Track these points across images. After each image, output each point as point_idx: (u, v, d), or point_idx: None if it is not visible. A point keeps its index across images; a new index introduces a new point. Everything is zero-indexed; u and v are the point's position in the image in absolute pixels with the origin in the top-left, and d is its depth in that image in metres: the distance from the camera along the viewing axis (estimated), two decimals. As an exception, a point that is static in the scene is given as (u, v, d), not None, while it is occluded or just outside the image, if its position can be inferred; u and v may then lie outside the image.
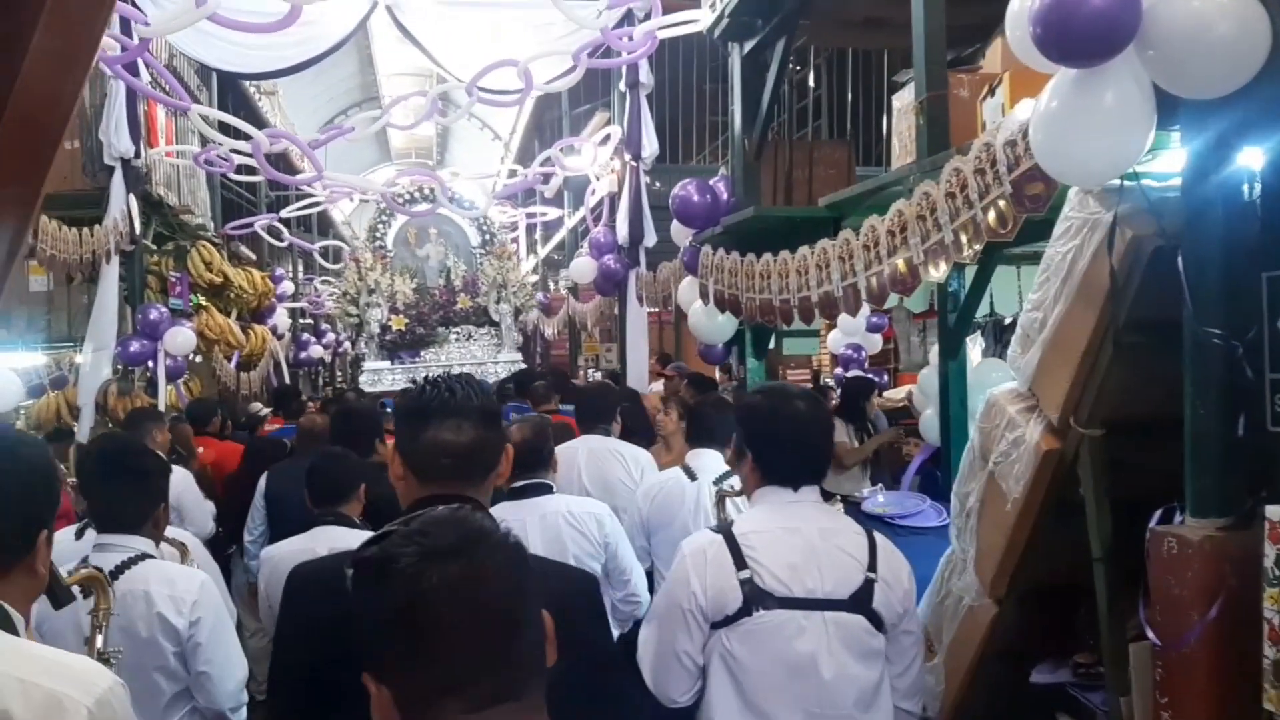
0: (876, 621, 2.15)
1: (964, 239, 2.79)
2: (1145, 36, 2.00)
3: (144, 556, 2.52)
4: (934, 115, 3.33)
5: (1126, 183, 2.27)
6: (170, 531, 2.87)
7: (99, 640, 2.05)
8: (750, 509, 2.32)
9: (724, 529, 2.24)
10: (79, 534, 3.25)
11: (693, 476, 3.61)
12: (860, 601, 2.14)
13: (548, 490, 3.20)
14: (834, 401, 6.84)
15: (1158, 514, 2.19)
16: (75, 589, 2.03)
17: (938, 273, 2.93)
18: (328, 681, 1.54)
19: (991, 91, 3.05)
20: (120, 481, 2.59)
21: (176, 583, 2.50)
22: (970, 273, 4.56)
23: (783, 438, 2.23)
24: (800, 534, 2.17)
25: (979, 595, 2.95)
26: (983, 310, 5.61)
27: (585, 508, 3.26)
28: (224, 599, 2.74)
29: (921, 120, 3.39)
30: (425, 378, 1.73)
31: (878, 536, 2.26)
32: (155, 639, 2.44)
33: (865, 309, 4.01)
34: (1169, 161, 2.37)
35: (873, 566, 2.17)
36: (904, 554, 3.15)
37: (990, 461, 2.77)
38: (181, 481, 5.11)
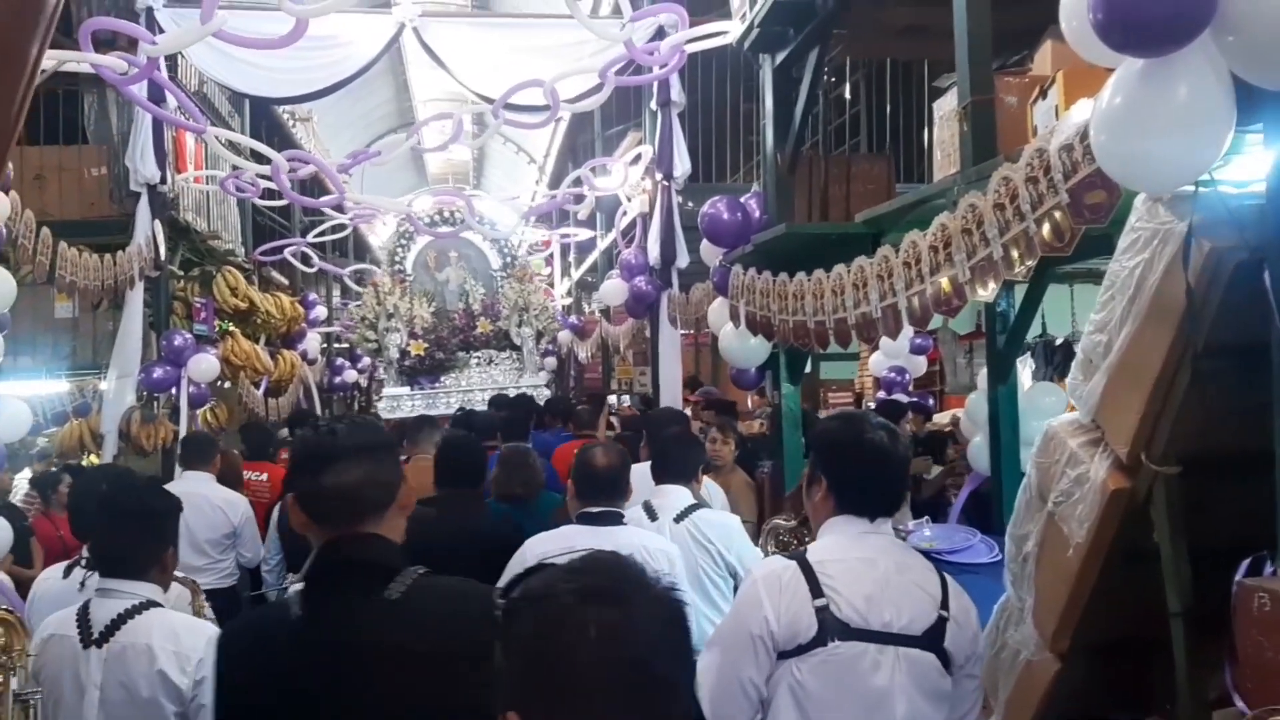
0: (946, 661, 2.10)
1: (1015, 254, 2.53)
2: (1223, 20, 1.75)
3: (149, 604, 2.36)
4: (979, 121, 3.07)
5: (1202, 189, 2.02)
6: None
7: (14, 683, 1.97)
8: (822, 537, 2.23)
9: (799, 555, 2.16)
10: (67, 571, 3.09)
11: (654, 516, 3.45)
12: (933, 639, 2.08)
13: (619, 520, 3.12)
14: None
15: (1245, 564, 1.96)
16: None
17: (985, 292, 2.67)
18: None
19: (1043, 94, 2.79)
20: (124, 523, 2.43)
21: (182, 637, 2.32)
22: (1020, 291, 4.28)
23: (862, 468, 2.17)
24: (877, 566, 2.11)
25: (1038, 649, 2.66)
26: (1033, 331, 5.32)
27: (659, 545, 3.15)
28: None
29: (966, 127, 3.13)
30: (312, 423, 1.69)
31: (947, 575, 2.20)
32: (156, 698, 2.26)
33: (907, 330, 3.79)
34: (1248, 166, 2.12)
35: (945, 605, 2.12)
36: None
37: (1050, 501, 2.49)
38: (244, 510, 5.06)
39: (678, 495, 3.50)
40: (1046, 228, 2.39)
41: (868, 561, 2.12)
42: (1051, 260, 3.13)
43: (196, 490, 4.70)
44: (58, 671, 2.31)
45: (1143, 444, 2.24)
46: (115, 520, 2.44)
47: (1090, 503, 2.35)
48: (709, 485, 4.12)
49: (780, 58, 4.99)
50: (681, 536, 3.37)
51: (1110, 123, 1.97)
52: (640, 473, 3.99)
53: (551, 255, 15.69)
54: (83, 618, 2.34)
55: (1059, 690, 2.65)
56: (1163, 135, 1.89)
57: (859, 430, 2.21)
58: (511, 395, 8.72)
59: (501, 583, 1.60)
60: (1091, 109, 2.25)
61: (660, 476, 3.60)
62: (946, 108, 3.43)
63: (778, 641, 2.05)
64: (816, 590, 2.05)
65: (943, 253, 2.82)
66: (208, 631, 2.37)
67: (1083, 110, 2.30)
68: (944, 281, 2.81)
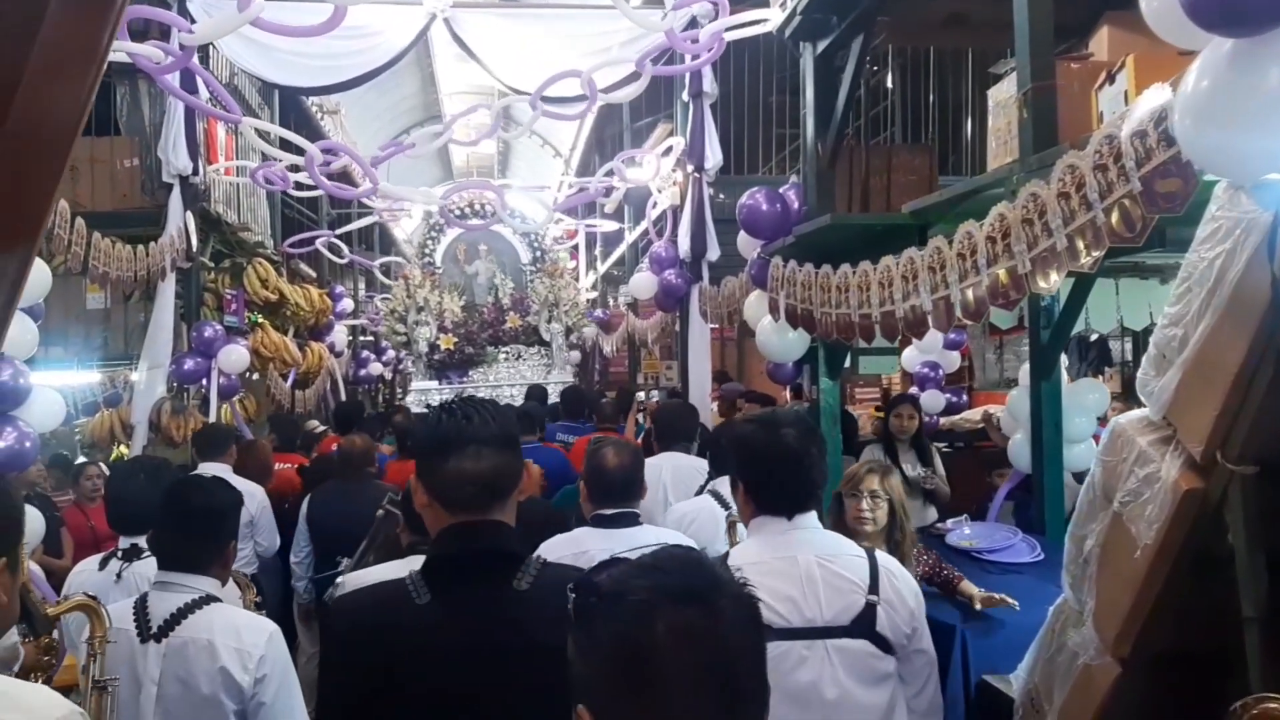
0: (883, 645, 2.14)
1: (1080, 245, 2.43)
2: (1321, -3, 1.65)
3: (209, 599, 2.33)
4: (1040, 108, 2.97)
5: (1290, 177, 1.92)
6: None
7: (94, 669, 1.97)
8: (746, 540, 2.30)
9: (720, 562, 2.10)
10: (103, 564, 3.06)
11: (725, 505, 3.50)
12: (863, 626, 2.13)
13: (636, 521, 3.06)
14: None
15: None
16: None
17: (1047, 284, 2.58)
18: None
19: (1110, 79, 2.69)
20: (189, 517, 2.41)
21: (243, 634, 2.28)
22: (1066, 286, 4.18)
23: (772, 468, 2.21)
24: (797, 563, 2.16)
25: (1098, 653, 2.57)
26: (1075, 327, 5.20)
27: (678, 543, 3.02)
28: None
29: (1025, 113, 3.03)
30: (441, 404, 1.71)
31: (880, 556, 2.26)
32: (216, 695, 2.22)
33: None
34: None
35: (874, 589, 2.16)
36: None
37: (1115, 501, 2.40)
38: (260, 500, 5.05)
39: None
40: (1116, 216, 2.30)
41: (787, 560, 2.16)
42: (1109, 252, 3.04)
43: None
44: (114, 665, 2.27)
45: (1218, 443, 2.14)
46: (179, 515, 2.42)
47: (1160, 503, 2.25)
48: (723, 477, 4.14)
49: (822, 46, 4.89)
50: None
51: (1195, 107, 1.88)
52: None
53: (576, 247, 15.63)
54: (140, 611, 2.31)
55: (1118, 697, 2.56)
56: (1252, 120, 1.79)
57: (768, 433, 2.23)
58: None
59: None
60: (1167, 94, 2.15)
61: (722, 469, 3.64)
62: (1003, 95, 3.33)
63: None
64: None
65: (1001, 244, 2.73)
66: (268, 628, 2.34)
67: (1157, 95, 2.21)
68: (1001, 273, 2.72)
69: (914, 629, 2.21)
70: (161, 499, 2.48)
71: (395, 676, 1.56)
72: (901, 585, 2.23)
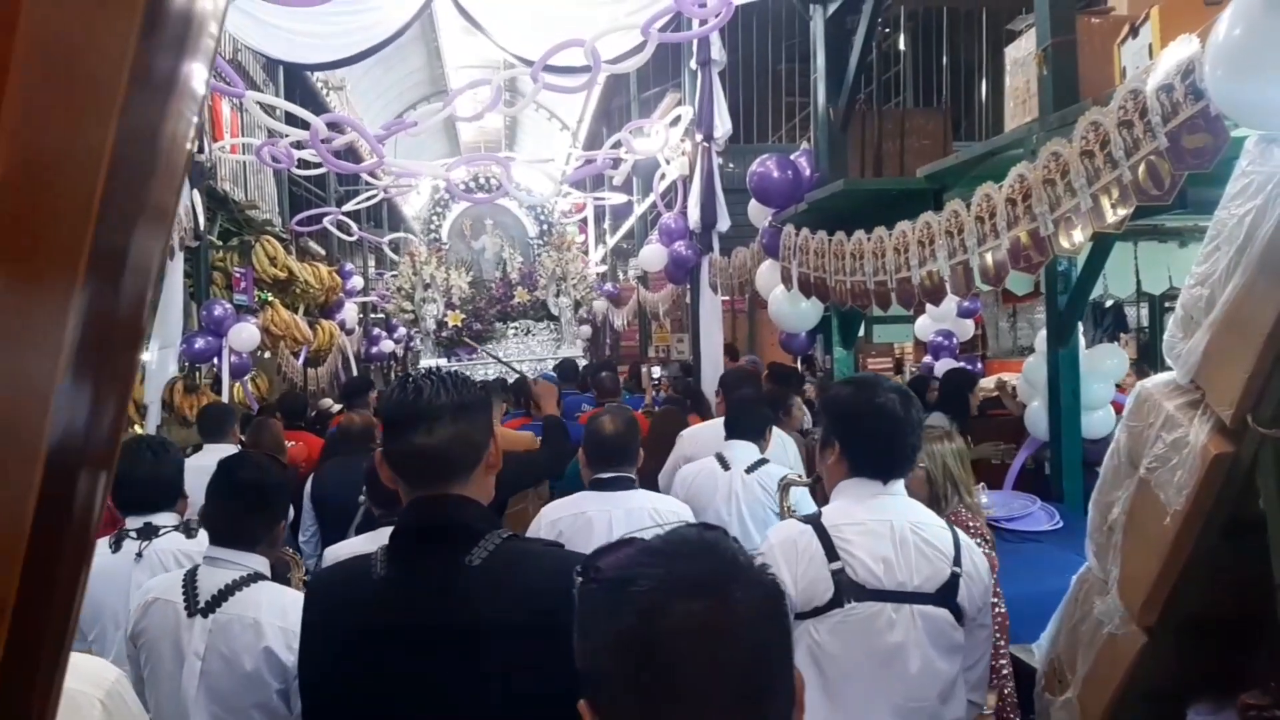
0: (959, 615, 2.17)
1: (1106, 203, 2.36)
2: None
3: (257, 576, 2.33)
4: (1061, 65, 2.88)
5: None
6: None
7: None
8: (836, 500, 2.27)
9: (813, 519, 2.20)
10: (115, 545, 3.04)
11: (726, 466, 3.72)
12: (946, 596, 2.14)
13: (631, 484, 3.17)
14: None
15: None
16: None
17: (1071, 244, 2.52)
18: (354, 704, 1.54)
19: (1134, 33, 2.60)
20: (240, 497, 2.41)
21: (289, 614, 2.25)
22: (1083, 250, 4.09)
23: (874, 430, 2.19)
24: (891, 527, 2.16)
25: (1124, 622, 2.52)
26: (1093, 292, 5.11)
27: (670, 506, 3.23)
28: None
29: (1045, 71, 2.95)
30: (399, 378, 1.69)
31: (961, 534, 2.26)
32: (259, 673, 2.21)
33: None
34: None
35: (958, 561, 2.18)
36: (1018, 564, 3.08)
37: (1142, 467, 2.34)
38: None
39: (747, 450, 3.75)
40: (1143, 173, 2.23)
41: (882, 522, 2.16)
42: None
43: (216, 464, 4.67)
44: (158, 636, 2.28)
45: (1249, 406, 2.07)
46: (231, 491, 2.41)
47: (1189, 468, 2.19)
48: (782, 438, 4.26)
49: (832, 8, 4.79)
50: (751, 486, 3.66)
51: (1228, 57, 1.81)
52: (711, 430, 4.17)
53: (585, 220, 15.54)
54: (189, 584, 2.30)
55: (1143, 666, 2.52)
56: (1287, 67, 1.72)
57: (871, 394, 2.22)
58: (551, 366, 8.66)
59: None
60: (1195, 46, 2.08)
61: (731, 433, 3.82)
62: (1021, 52, 3.23)
63: (795, 604, 2.06)
64: (832, 554, 2.10)
65: (1021, 205, 2.66)
66: None
67: (1183, 47, 2.13)
68: (1023, 235, 2.65)
69: (984, 604, 2.24)
70: (214, 474, 2.47)
71: (350, 650, 1.57)
72: (979, 560, 2.25)
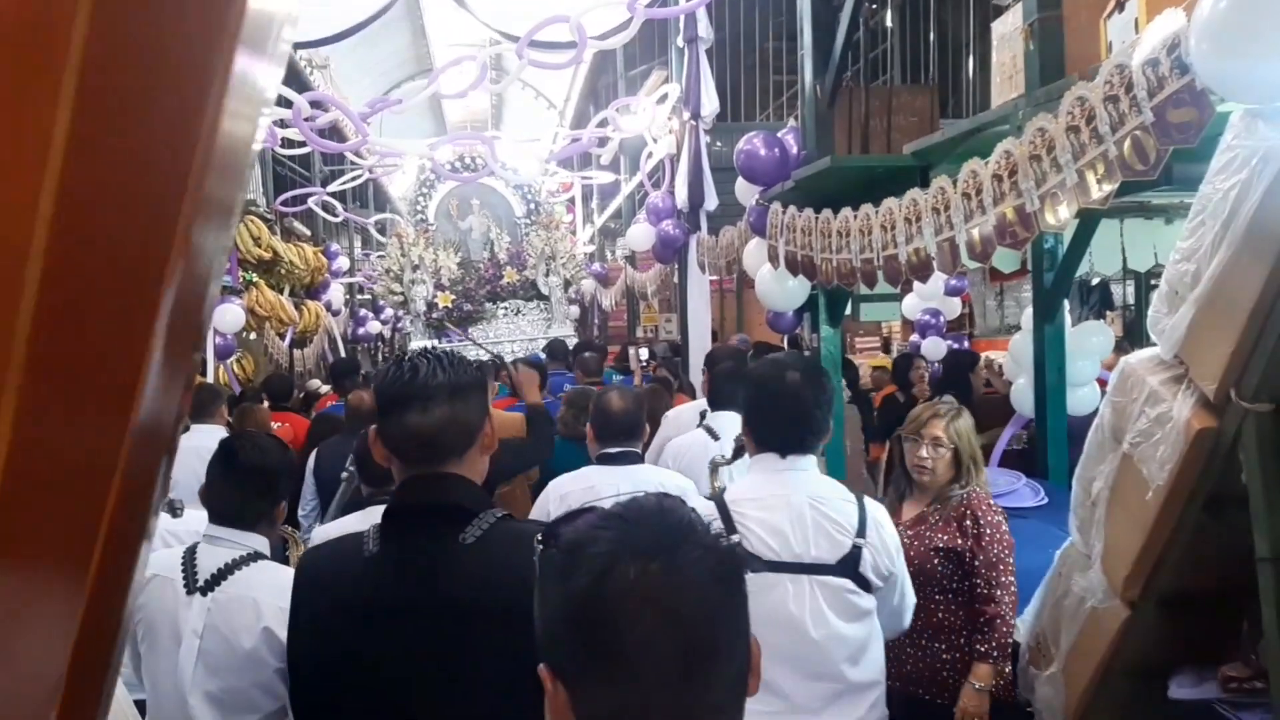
0: (863, 584, 2.26)
1: (1091, 179, 2.36)
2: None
3: (256, 556, 2.33)
4: (1047, 39, 2.87)
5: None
6: None
7: None
8: (746, 475, 2.40)
9: (716, 496, 2.35)
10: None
11: (715, 436, 3.76)
12: (847, 566, 2.24)
13: (638, 459, 3.27)
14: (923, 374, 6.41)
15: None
16: None
17: (1057, 220, 2.52)
18: (341, 681, 1.55)
19: (1119, 6, 2.59)
20: (241, 477, 2.40)
21: (288, 593, 2.26)
22: (1069, 227, 4.09)
23: (773, 407, 2.32)
24: (789, 501, 2.25)
25: (1107, 596, 2.54)
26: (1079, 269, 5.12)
27: (675, 481, 3.28)
28: None
29: (1031, 45, 2.93)
30: (395, 357, 1.71)
31: (869, 504, 2.35)
32: (258, 652, 2.21)
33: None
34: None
35: (862, 533, 2.27)
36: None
37: (1125, 443, 2.35)
38: None
39: (733, 420, 3.75)
40: (1128, 148, 2.22)
41: (780, 497, 2.26)
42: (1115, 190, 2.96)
43: (205, 444, 4.64)
44: (156, 614, 2.27)
45: (1233, 381, 2.08)
46: (232, 470, 2.40)
47: (1172, 443, 2.21)
48: None
49: (819, -16, 4.76)
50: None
51: (1212, 31, 1.81)
52: (693, 411, 4.25)
53: (573, 200, 15.47)
54: (188, 562, 2.29)
55: (1126, 639, 2.54)
56: (1273, 41, 1.72)
57: (776, 373, 2.34)
58: (540, 346, 8.65)
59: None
60: (1180, 20, 2.07)
61: (716, 404, 3.95)
62: (1008, 27, 3.22)
63: None
64: (730, 528, 2.21)
65: (1007, 181, 2.66)
66: None
67: (1169, 21, 2.12)
68: (1009, 211, 2.64)
69: (892, 573, 2.33)
70: (216, 454, 2.46)
71: (339, 627, 1.58)
72: (886, 534, 2.34)
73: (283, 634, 2.17)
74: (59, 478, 0.57)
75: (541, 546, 0.95)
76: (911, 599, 2.47)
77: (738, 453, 2.83)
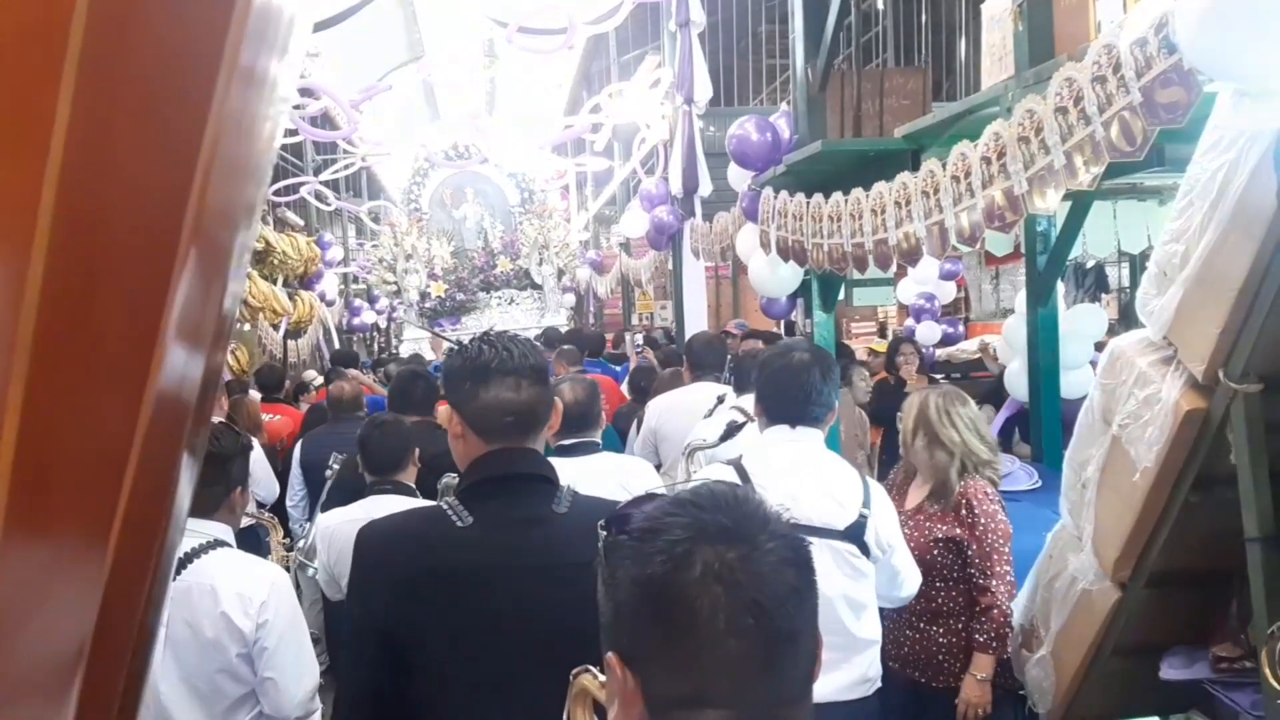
0: (865, 550, 2.46)
1: (1079, 161, 2.35)
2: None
3: (217, 544, 2.31)
4: (1036, 20, 2.86)
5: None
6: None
7: None
8: (761, 447, 2.58)
9: (735, 461, 2.52)
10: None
11: (748, 418, 3.88)
12: (854, 533, 2.44)
13: (596, 449, 3.31)
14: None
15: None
16: None
17: (1044, 203, 2.51)
18: (401, 646, 1.59)
19: (1109, -14, 2.58)
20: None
21: (246, 580, 2.27)
22: (1061, 210, 4.09)
23: (778, 381, 2.53)
24: (799, 468, 2.47)
25: (1098, 577, 2.55)
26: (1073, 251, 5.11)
27: (634, 466, 3.40)
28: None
29: (1020, 26, 2.92)
30: (475, 337, 1.77)
31: (871, 481, 2.58)
32: (220, 639, 2.22)
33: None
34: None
35: (867, 504, 2.47)
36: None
37: (1114, 424, 2.35)
38: (255, 453, 5.03)
39: (714, 387, 3.94)
40: (1115, 130, 2.21)
41: (792, 464, 2.47)
42: (1107, 173, 2.95)
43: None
44: None
45: (1221, 361, 2.08)
46: None
47: (1161, 424, 2.21)
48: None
49: (810, -33, 4.73)
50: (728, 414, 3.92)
51: (1199, 10, 1.80)
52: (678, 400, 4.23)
53: (566, 187, 15.42)
54: None
55: (1117, 620, 2.55)
56: (1259, 19, 1.71)
57: (784, 352, 2.59)
58: (534, 335, 8.63)
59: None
60: (1170, -2, 2.06)
61: (697, 373, 4.21)
62: (998, 8, 3.20)
63: None
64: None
65: (996, 164, 2.65)
66: (272, 574, 2.33)
67: (1158, 1, 2.11)
68: (997, 194, 2.63)
69: (892, 546, 2.53)
70: None
71: (440, 594, 1.61)
72: (887, 509, 2.54)
73: (240, 620, 2.21)
74: (71, 461, 0.59)
75: (605, 533, 0.95)
76: (911, 572, 2.64)
77: (728, 434, 2.86)
